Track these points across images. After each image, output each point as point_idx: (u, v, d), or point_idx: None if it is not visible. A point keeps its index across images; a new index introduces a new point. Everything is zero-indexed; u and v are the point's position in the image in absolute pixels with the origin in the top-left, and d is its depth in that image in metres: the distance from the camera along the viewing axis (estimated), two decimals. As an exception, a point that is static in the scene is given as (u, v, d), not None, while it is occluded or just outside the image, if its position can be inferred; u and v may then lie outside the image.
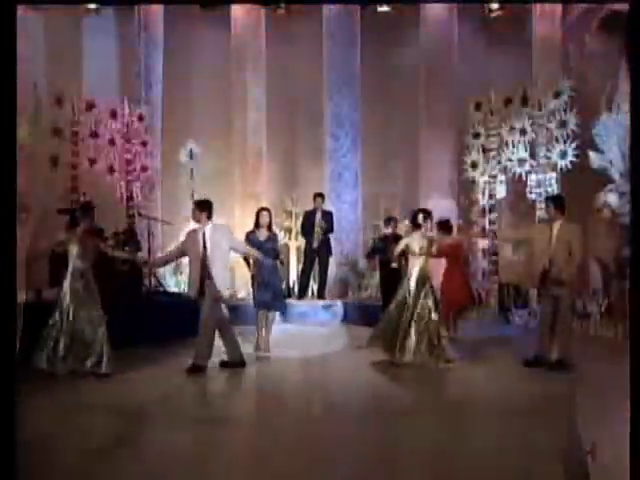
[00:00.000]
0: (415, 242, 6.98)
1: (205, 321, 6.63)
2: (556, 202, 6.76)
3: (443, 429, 4.95)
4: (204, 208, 6.75)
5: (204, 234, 6.64)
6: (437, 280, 7.86)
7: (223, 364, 6.81)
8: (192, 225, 7.07)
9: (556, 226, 6.60)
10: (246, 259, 7.63)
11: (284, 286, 10.75)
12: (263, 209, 7.74)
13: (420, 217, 7.01)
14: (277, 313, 8.06)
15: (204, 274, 6.59)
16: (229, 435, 4.87)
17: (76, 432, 4.78)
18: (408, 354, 6.68)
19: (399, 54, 12.57)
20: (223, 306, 6.83)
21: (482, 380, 6.47)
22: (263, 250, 7.42)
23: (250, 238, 7.54)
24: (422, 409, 5.55)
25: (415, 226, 7.05)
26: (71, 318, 6.31)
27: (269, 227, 7.61)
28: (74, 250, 6.45)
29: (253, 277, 7.65)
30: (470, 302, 8.71)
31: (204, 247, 6.58)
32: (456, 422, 5.14)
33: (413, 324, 6.75)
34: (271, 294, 7.50)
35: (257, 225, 7.58)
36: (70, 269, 6.44)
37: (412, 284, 6.89)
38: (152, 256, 9.61)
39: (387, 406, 5.55)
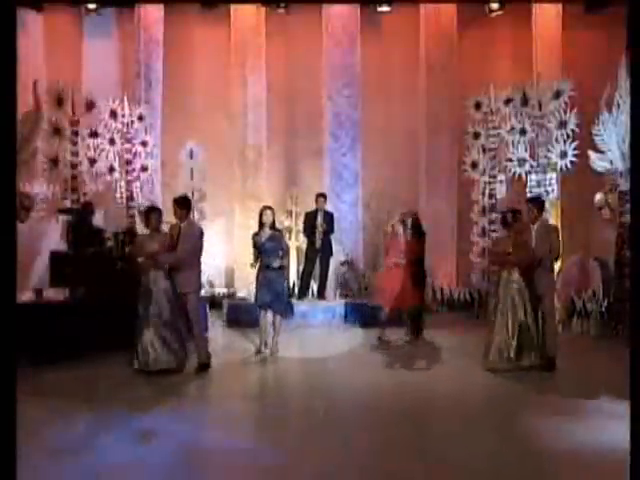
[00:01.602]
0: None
1: (191, 320, 6.76)
2: (536, 203, 7.02)
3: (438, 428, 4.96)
4: (184, 205, 6.88)
5: (180, 230, 6.77)
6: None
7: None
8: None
9: (535, 226, 6.82)
10: (255, 256, 7.55)
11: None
12: (266, 207, 7.66)
13: (509, 216, 6.87)
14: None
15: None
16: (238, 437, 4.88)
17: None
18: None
19: (399, 54, 12.56)
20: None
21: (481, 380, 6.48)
22: (265, 250, 7.39)
23: (255, 239, 7.49)
24: (416, 408, 5.56)
25: (505, 226, 6.91)
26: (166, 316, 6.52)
27: (272, 226, 7.53)
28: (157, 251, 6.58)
29: (256, 277, 7.53)
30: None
31: (177, 243, 6.69)
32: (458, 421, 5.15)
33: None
34: (272, 295, 7.40)
35: (260, 224, 7.52)
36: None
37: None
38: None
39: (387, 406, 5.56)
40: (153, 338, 6.45)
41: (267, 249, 7.39)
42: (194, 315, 6.77)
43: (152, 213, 6.89)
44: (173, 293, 6.60)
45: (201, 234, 6.89)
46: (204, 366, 6.69)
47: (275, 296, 7.42)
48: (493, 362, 6.64)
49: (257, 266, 7.51)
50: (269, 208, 7.64)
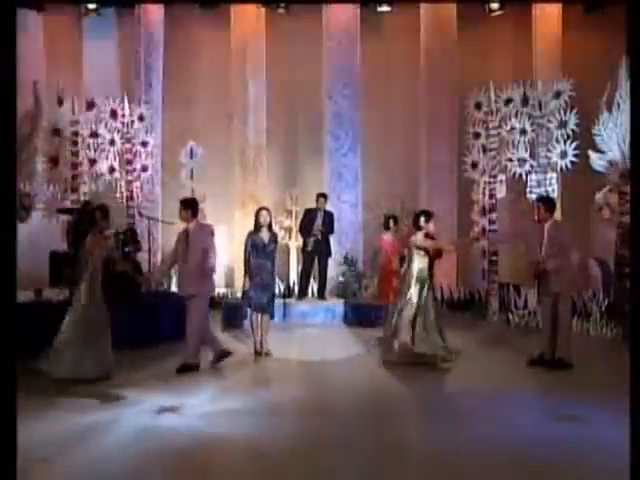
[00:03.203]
0: (420, 242, 7.13)
1: (189, 320, 6.73)
2: (547, 203, 7.05)
3: (444, 428, 4.96)
4: (189, 207, 6.81)
5: (187, 232, 6.73)
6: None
7: (213, 362, 6.85)
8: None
9: (547, 226, 6.86)
10: (247, 259, 7.49)
11: (284, 286, 10.81)
12: (262, 209, 7.57)
13: (422, 219, 7.18)
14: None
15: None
16: (225, 438, 4.88)
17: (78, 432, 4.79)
18: (420, 345, 6.85)
19: (399, 54, 12.56)
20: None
21: (482, 380, 6.47)
22: (265, 252, 7.34)
23: (253, 240, 7.37)
24: (420, 409, 5.57)
25: (417, 227, 7.21)
26: (86, 319, 6.29)
27: (269, 227, 7.48)
28: (94, 252, 6.40)
29: (250, 277, 7.37)
30: None
31: (187, 245, 6.66)
32: (457, 422, 5.15)
33: (419, 319, 6.93)
34: (268, 297, 7.39)
35: (258, 225, 7.42)
36: (90, 270, 6.37)
37: (413, 282, 7.06)
38: (152, 259, 9.67)
39: (385, 406, 5.56)
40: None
41: (268, 251, 7.34)
42: (194, 317, 6.70)
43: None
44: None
45: (211, 233, 6.85)
46: (185, 367, 6.63)
47: (270, 298, 7.44)
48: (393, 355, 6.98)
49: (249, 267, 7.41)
50: (265, 209, 7.56)
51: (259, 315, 7.47)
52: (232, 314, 9.74)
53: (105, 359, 6.34)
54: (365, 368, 7.04)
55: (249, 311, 7.60)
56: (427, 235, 7.16)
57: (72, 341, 6.22)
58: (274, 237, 7.51)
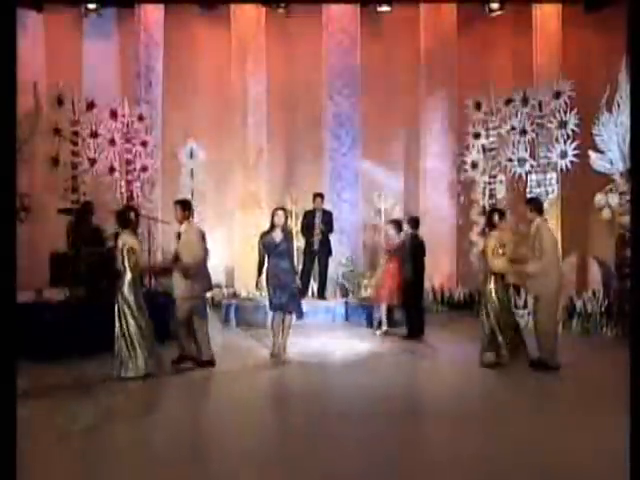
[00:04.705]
0: (496, 241, 6.89)
1: (175, 319, 6.82)
2: (534, 204, 7.05)
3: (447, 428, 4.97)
4: (185, 207, 6.86)
5: (180, 233, 6.79)
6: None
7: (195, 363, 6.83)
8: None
9: (534, 226, 6.86)
10: (261, 260, 7.40)
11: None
12: (279, 209, 7.52)
13: (496, 217, 7.03)
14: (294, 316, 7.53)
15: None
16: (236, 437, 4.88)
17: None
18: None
19: (399, 54, 12.57)
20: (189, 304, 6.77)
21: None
22: (278, 252, 7.29)
23: (265, 240, 7.32)
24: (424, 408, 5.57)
25: (491, 226, 7.03)
26: (142, 323, 6.34)
27: (284, 227, 7.36)
28: (136, 250, 6.37)
29: (268, 279, 7.30)
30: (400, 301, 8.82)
31: (177, 245, 6.73)
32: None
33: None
34: (287, 296, 7.25)
35: (272, 226, 7.34)
36: (129, 275, 6.31)
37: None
38: (152, 259, 9.66)
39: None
40: None
41: (281, 251, 7.24)
42: (176, 318, 6.78)
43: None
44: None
45: (202, 237, 6.85)
46: (180, 358, 6.72)
47: (290, 297, 7.28)
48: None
49: (265, 267, 7.36)
50: (282, 209, 7.51)
51: (280, 316, 7.37)
52: (238, 314, 9.77)
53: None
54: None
55: (272, 313, 7.49)
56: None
57: (138, 342, 6.28)
58: (286, 236, 7.34)
